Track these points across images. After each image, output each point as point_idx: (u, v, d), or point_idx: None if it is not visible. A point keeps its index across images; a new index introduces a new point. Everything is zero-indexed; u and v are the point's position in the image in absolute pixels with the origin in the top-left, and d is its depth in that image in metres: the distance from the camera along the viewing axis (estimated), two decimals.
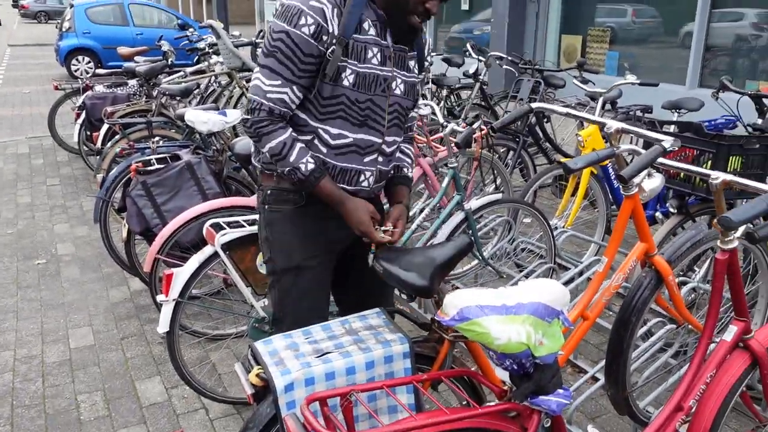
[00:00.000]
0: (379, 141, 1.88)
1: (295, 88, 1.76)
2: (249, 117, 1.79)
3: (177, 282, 2.57)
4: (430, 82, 6.37)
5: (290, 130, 1.80)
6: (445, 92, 6.15)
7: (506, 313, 1.46)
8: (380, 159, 1.91)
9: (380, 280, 1.85)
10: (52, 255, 4.43)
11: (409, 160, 2.09)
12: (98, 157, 4.80)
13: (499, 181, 4.22)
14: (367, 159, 1.88)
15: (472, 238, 3.22)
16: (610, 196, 3.96)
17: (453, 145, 3.21)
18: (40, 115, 9.16)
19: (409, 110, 1.98)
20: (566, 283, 2.91)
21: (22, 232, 4.85)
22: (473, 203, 3.27)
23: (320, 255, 1.96)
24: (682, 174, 3.00)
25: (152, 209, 3.38)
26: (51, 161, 6.85)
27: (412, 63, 1.93)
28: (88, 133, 5.84)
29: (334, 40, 1.72)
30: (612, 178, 3.86)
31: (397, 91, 1.87)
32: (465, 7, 12.10)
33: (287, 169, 1.79)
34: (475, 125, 3.23)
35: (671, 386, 2.44)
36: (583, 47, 9.89)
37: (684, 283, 2.72)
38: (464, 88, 6.53)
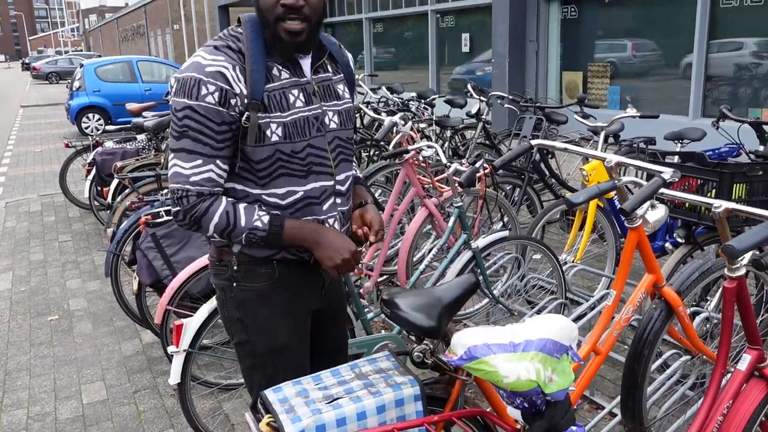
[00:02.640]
0: (331, 184, 1.76)
1: (218, 161, 1.62)
2: (178, 208, 1.62)
3: (187, 332, 2.58)
4: (434, 124, 6.44)
5: (224, 197, 1.65)
6: (448, 133, 6.22)
7: (514, 350, 1.46)
8: (338, 201, 1.80)
9: (342, 340, 1.93)
10: (65, 311, 4.45)
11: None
12: (109, 211, 4.87)
13: (506, 218, 4.23)
14: (325, 206, 1.76)
15: (480, 276, 3.23)
16: (618, 229, 3.96)
17: (457, 184, 3.23)
18: (52, 173, 9.32)
19: (351, 139, 1.83)
20: (578, 318, 2.89)
21: (35, 289, 4.89)
22: (480, 242, 3.28)
23: (301, 328, 1.85)
24: (687, 204, 3.00)
25: (162, 261, 3.41)
26: (63, 218, 6.94)
27: (341, 87, 1.80)
28: (99, 188, 5.93)
29: (245, 102, 1.60)
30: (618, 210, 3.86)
31: (333, 125, 1.75)
32: (466, 49, 12.32)
33: (243, 235, 1.64)
34: (477, 164, 3.26)
35: (690, 418, 2.40)
36: (584, 83, 10.01)
37: (697, 314, 2.69)
38: (468, 128, 6.60)
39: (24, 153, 11.75)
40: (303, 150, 1.68)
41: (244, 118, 1.60)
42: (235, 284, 1.77)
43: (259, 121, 1.61)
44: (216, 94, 1.56)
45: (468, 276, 1.79)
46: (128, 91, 13.42)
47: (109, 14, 68.20)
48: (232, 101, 1.58)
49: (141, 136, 6.16)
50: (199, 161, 1.59)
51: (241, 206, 1.65)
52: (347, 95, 1.82)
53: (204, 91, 1.55)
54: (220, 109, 1.57)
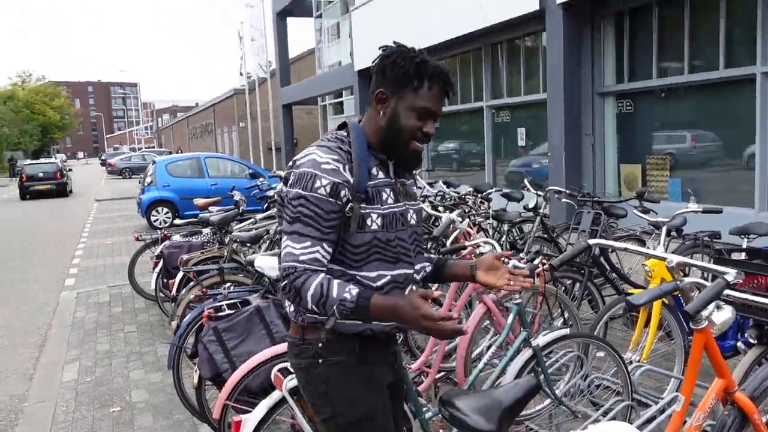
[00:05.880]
0: (411, 272, 1.98)
1: (324, 244, 1.84)
2: (285, 281, 1.83)
3: (245, 429, 2.59)
4: (491, 217, 6.48)
5: (322, 273, 1.83)
6: (506, 227, 6.23)
7: None
8: (414, 288, 2.00)
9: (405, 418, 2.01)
10: (127, 402, 4.53)
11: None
12: (173, 303, 5.00)
13: (566, 314, 4.15)
14: (406, 291, 1.96)
15: (542, 376, 3.15)
16: (686, 326, 3.82)
17: None
18: (122, 264, 9.69)
19: (422, 234, 2.10)
20: (647, 422, 2.76)
21: (100, 380, 5.00)
22: (541, 339, 3.22)
23: (383, 399, 1.99)
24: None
25: (222, 354, 3.46)
26: (129, 309, 7.16)
27: (413, 190, 2.08)
28: (165, 280, 6.12)
29: (351, 194, 1.83)
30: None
31: (412, 222, 2.01)
32: (521, 142, 12.47)
33: (334, 307, 1.78)
34: (536, 261, 3.25)
35: None
36: (643, 175, 9.92)
37: None
38: (525, 221, 6.60)
39: (96, 245, 12.31)
40: (393, 240, 1.93)
41: (347, 208, 1.84)
42: (320, 360, 1.92)
43: (362, 212, 1.86)
44: (328, 187, 1.82)
45: (529, 378, 1.77)
46: (196, 186, 14.03)
47: (180, 113, 72.41)
48: (341, 193, 1.83)
49: (206, 230, 6.39)
50: (308, 243, 1.82)
51: (335, 281, 1.82)
52: (417, 196, 2.09)
53: (318, 184, 1.82)
54: (330, 199, 1.82)
